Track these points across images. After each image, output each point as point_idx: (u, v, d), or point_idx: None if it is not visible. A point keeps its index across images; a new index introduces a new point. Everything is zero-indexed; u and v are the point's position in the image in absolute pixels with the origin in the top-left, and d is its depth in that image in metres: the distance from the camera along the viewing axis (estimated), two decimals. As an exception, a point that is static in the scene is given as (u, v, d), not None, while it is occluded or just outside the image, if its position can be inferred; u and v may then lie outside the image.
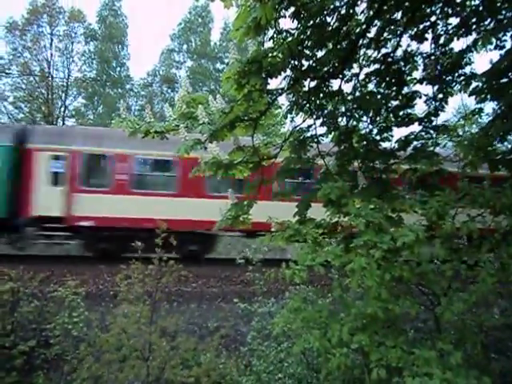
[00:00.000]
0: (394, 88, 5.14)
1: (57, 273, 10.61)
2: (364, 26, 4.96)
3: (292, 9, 4.09)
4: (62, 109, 28.61)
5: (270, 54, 4.00)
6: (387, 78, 5.15)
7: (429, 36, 5.16)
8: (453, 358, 2.84)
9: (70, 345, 7.38)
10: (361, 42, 5.04)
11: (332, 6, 4.42)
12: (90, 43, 29.34)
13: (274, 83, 4.42)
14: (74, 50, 28.30)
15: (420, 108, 5.25)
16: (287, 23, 4.33)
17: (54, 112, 27.60)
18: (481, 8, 4.98)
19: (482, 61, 5.50)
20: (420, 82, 5.19)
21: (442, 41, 5.25)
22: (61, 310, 7.82)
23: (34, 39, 26.64)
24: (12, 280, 8.14)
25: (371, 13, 4.92)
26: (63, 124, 27.47)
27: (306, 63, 4.49)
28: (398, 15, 5.07)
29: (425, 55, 5.30)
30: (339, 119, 5.15)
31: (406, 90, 5.17)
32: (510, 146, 4.90)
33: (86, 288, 9.47)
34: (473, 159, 3.57)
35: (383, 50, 5.26)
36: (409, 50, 5.27)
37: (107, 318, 6.83)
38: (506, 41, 4.94)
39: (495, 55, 4.83)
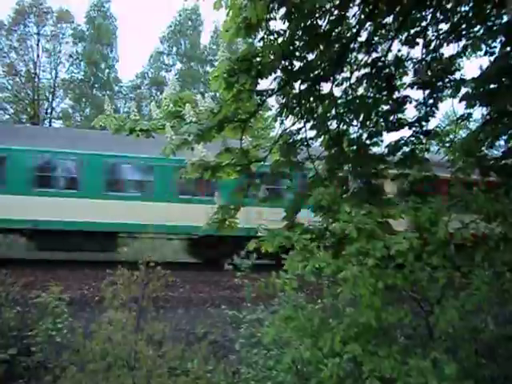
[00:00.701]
0: (385, 92, 5.11)
1: (40, 278, 10.37)
2: (355, 30, 4.93)
3: (283, 10, 4.02)
4: (49, 110, 28.22)
5: (261, 54, 3.92)
6: (378, 83, 5.12)
7: (420, 41, 5.15)
8: (448, 368, 2.77)
9: (52, 352, 7.18)
10: (352, 45, 5.00)
11: (324, 9, 4.37)
12: (78, 44, 29.03)
13: (263, 84, 4.36)
14: (62, 51, 27.97)
15: (410, 113, 5.24)
16: (278, 25, 4.27)
17: (41, 113, 27.18)
18: (470, 14, 4.99)
19: (472, 67, 5.51)
20: (410, 86, 5.17)
21: (432, 46, 5.24)
22: (44, 316, 7.61)
23: (21, 39, 26.24)
24: (-8, 285, 7.93)
25: (362, 16, 4.88)
26: (50, 126, 27.06)
27: (297, 64, 4.41)
28: (390, 19, 5.04)
29: (415, 60, 5.29)
30: (329, 123, 5.09)
31: (396, 94, 5.15)
32: (500, 152, 4.89)
33: (71, 294, 9.25)
34: (464, 165, 3.52)
35: (374, 54, 5.24)
36: (399, 54, 5.26)
37: (92, 325, 6.64)
38: (495, 47, 4.94)
39: (485, 61, 4.84)
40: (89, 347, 6.05)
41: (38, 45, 26.63)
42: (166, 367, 6.16)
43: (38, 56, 26.70)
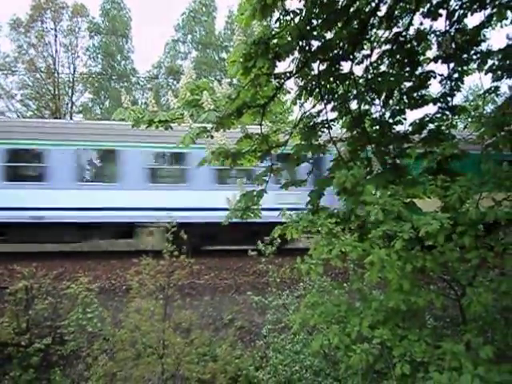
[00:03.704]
0: (407, 69, 4.93)
1: (69, 269, 10.62)
2: (374, 4, 4.74)
3: (299, -12, 3.89)
4: (69, 105, 28.61)
5: (278, 36, 3.80)
6: (400, 59, 4.93)
7: (442, 12, 4.91)
8: (483, 351, 2.68)
9: (84, 341, 7.37)
10: (371, 21, 4.82)
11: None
12: (94, 37, 29.17)
13: (281, 67, 4.24)
14: (79, 45, 28.18)
15: (435, 89, 5.04)
16: (294, 4, 4.12)
17: (62, 108, 27.60)
18: (495, -20, 4.73)
19: (499, 37, 5.25)
20: (434, 61, 4.96)
21: (455, 17, 5.00)
22: (74, 306, 7.80)
23: (39, 36, 26.53)
24: (25, 278, 8.15)
25: (381, -11, 4.69)
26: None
27: (315, 44, 4.27)
28: (411, -9, 4.83)
29: (438, 33, 5.05)
30: (350, 103, 4.95)
31: (419, 70, 4.95)
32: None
33: (99, 283, 9.46)
34: (497, 139, 3.35)
35: (395, 29, 5.04)
36: (421, 28, 5.04)
37: (120, 315, 6.78)
38: (522, 14, 4.68)
39: (512, 30, 4.59)
40: (118, 336, 6.18)
41: (55, 40, 26.89)
42: (195, 354, 6.24)
43: (56, 51, 26.97)
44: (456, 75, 4.85)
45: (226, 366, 6.35)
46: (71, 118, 27.27)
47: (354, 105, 5.01)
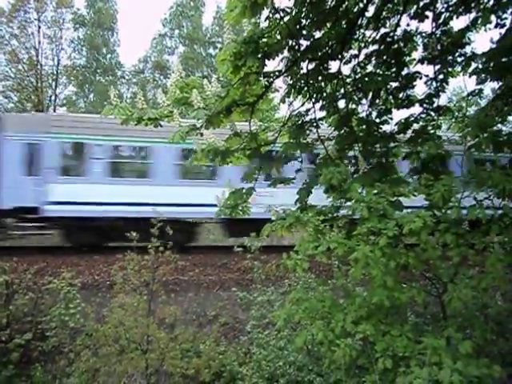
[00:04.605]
0: (394, 69, 5.00)
1: (51, 264, 10.48)
2: (362, 5, 4.79)
3: (289, -14, 3.91)
4: (53, 97, 28.10)
5: (267, 34, 3.82)
6: (387, 59, 5.00)
7: (429, 14, 5.00)
8: (462, 346, 2.76)
9: (66, 336, 7.29)
10: (359, 21, 4.87)
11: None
12: (79, 29, 28.68)
13: (270, 66, 4.27)
14: (63, 37, 27.66)
15: (420, 90, 5.13)
16: (284, 3, 4.15)
17: (45, 101, 27.08)
18: (480, -16, 4.83)
19: (483, 40, 5.36)
20: (420, 62, 5.05)
21: (441, 19, 5.09)
22: (56, 301, 7.71)
23: (21, 26, 25.96)
24: (6, 273, 8.01)
25: (370, -10, 4.74)
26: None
27: (304, 43, 4.31)
28: (398, -8, 4.90)
29: (424, 35, 5.14)
30: (338, 102, 5.00)
31: (405, 71, 5.03)
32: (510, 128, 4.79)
33: (82, 279, 9.35)
34: (479, 140, 3.44)
35: (382, 30, 5.11)
36: (408, 29, 5.12)
37: (104, 310, 6.73)
38: (506, 19, 4.79)
39: (496, 34, 4.70)
40: (102, 331, 6.14)
41: (38, 31, 26.33)
42: (179, 349, 6.23)
43: (39, 43, 26.41)
44: (441, 76, 4.95)
45: (209, 362, 6.37)
46: (54, 111, 26.78)
47: (341, 104, 5.09)
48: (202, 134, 4.11)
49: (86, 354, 6.14)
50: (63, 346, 7.27)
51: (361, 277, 3.20)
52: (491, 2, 4.84)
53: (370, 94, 4.87)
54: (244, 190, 4.26)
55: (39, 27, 26.38)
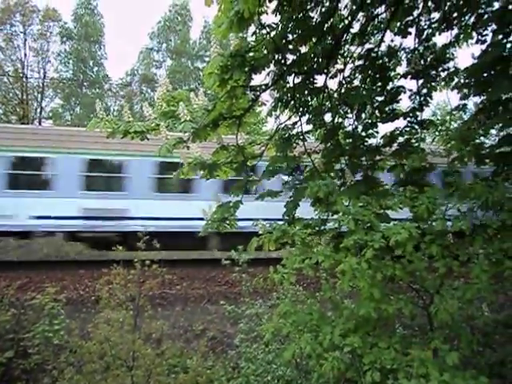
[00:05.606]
0: (379, 84, 5.10)
1: (35, 280, 10.27)
2: (347, 21, 4.89)
3: (275, 2, 3.97)
4: (38, 110, 27.88)
5: (254, 48, 3.87)
6: (372, 74, 5.09)
7: (412, 31, 5.14)
8: (449, 357, 2.77)
9: (50, 354, 7.11)
10: (344, 37, 4.97)
11: (315, 0, 4.33)
12: (65, 43, 28.64)
13: (257, 79, 4.31)
14: (50, 50, 27.58)
15: (405, 104, 5.23)
16: (270, 19, 4.22)
17: (30, 113, 26.85)
18: (461, 2, 4.99)
19: (465, 56, 5.51)
20: (404, 76, 5.16)
21: (424, 35, 5.24)
22: (40, 317, 7.53)
23: (7, 39, 25.84)
24: (-14, 288, 7.83)
25: (354, 7, 4.85)
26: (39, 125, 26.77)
27: (290, 58, 4.37)
28: (382, 9, 5.02)
29: (408, 50, 5.28)
30: (324, 116, 5.07)
31: (390, 85, 5.13)
32: (492, 141, 4.91)
33: (67, 294, 9.17)
34: (461, 153, 3.51)
35: (367, 46, 5.23)
36: (392, 45, 5.25)
37: (89, 326, 6.59)
38: (486, 35, 4.95)
39: (477, 50, 4.84)
40: (86, 348, 6.00)
41: (24, 44, 26.24)
42: (166, 365, 6.12)
43: (25, 55, 26.31)
44: (425, 91, 5.06)
45: (197, 378, 6.25)
46: (40, 124, 26.56)
47: (328, 117, 5.15)
48: (188, 148, 4.12)
49: (69, 372, 5.97)
50: (46, 363, 7.07)
51: (349, 289, 3.21)
52: (472, 20, 5.01)
53: (356, 107, 4.95)
54: (231, 203, 4.26)
55: (25, 40, 26.31)
